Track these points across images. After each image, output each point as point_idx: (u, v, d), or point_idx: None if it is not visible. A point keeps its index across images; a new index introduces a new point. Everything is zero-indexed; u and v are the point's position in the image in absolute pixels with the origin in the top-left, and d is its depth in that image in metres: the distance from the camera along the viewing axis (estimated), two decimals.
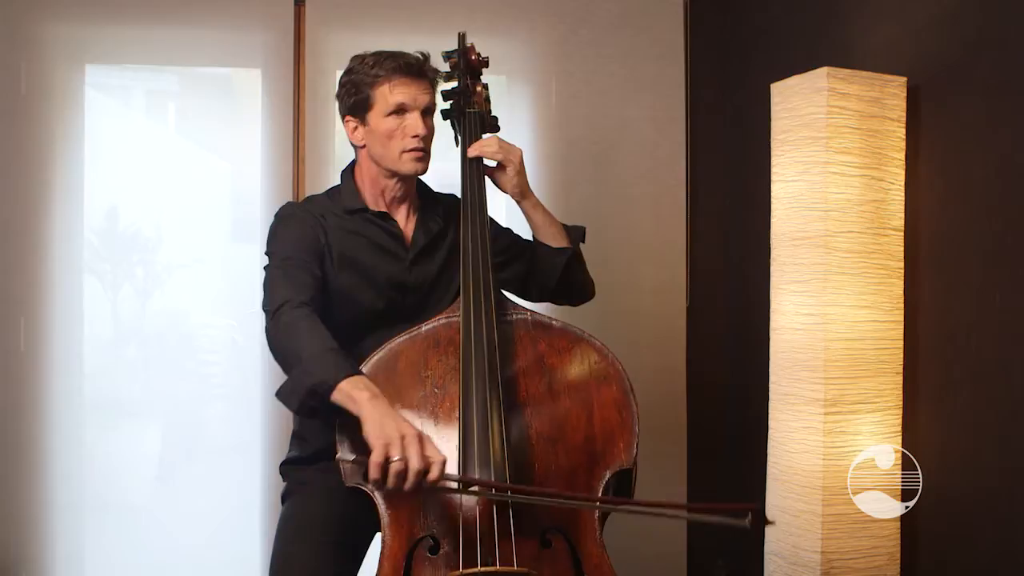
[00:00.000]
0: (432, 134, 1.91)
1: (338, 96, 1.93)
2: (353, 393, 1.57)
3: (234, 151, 2.89)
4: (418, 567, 1.59)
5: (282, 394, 1.65)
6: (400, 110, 1.86)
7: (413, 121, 1.86)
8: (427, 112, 1.89)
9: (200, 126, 2.96)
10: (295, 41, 2.77)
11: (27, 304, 2.67)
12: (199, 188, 2.89)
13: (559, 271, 1.99)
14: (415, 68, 1.87)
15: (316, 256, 1.85)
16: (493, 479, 1.59)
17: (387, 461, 1.49)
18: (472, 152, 1.93)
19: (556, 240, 2.00)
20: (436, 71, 1.94)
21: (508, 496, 1.58)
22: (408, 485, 1.50)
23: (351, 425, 1.60)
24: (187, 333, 2.89)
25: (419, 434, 1.52)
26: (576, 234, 2.04)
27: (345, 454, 1.67)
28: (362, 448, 1.55)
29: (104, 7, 2.73)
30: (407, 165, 1.88)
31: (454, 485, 1.57)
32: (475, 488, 1.59)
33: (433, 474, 1.50)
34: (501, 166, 1.95)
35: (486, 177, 1.95)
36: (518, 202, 1.99)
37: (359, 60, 1.90)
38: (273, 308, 1.73)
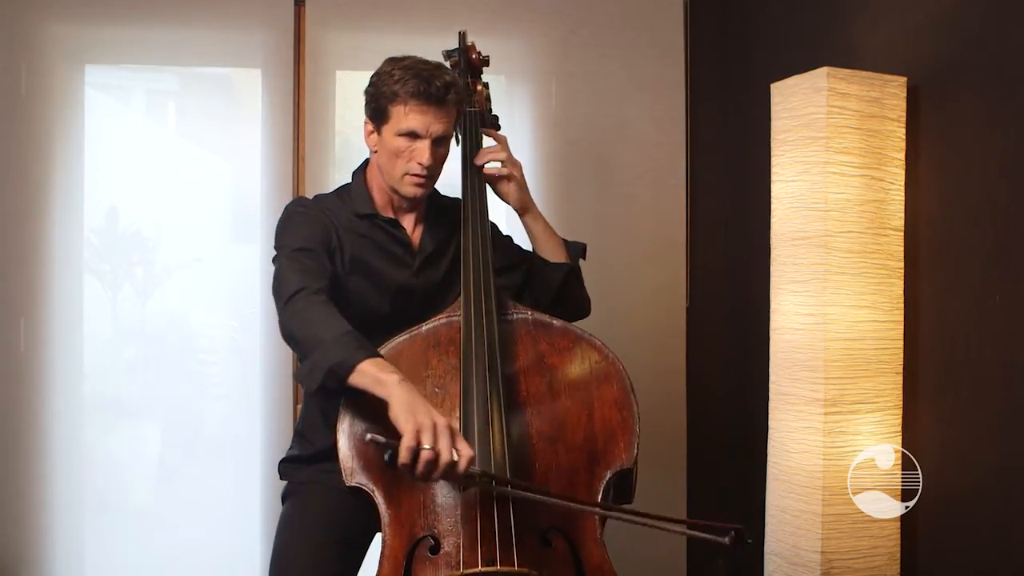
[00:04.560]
0: (442, 161, 1.86)
1: (365, 93, 1.87)
2: (381, 375, 1.55)
3: (234, 151, 2.88)
4: (418, 567, 1.59)
5: (301, 375, 1.65)
6: (411, 135, 1.81)
7: (422, 148, 1.81)
8: (440, 141, 1.83)
9: (200, 126, 2.95)
10: (295, 41, 2.77)
11: (27, 304, 2.67)
12: (199, 188, 2.89)
13: (556, 286, 1.97)
14: (435, 96, 1.78)
15: (327, 252, 1.84)
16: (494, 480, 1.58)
17: (418, 447, 1.47)
18: (479, 159, 1.92)
19: (555, 255, 1.98)
20: (460, 99, 1.86)
21: (509, 490, 1.57)
22: (435, 476, 1.49)
23: (358, 406, 1.58)
24: (187, 333, 2.89)
25: (449, 424, 1.51)
26: (576, 250, 2.03)
27: (358, 433, 1.65)
28: (367, 431, 1.53)
29: (104, 7, 2.73)
30: (407, 188, 1.85)
31: (477, 474, 1.54)
32: (479, 482, 1.56)
33: (461, 468, 1.49)
34: (504, 178, 1.94)
35: (487, 186, 1.94)
36: (520, 215, 1.98)
37: (389, 67, 1.81)
38: (287, 296, 1.70)
